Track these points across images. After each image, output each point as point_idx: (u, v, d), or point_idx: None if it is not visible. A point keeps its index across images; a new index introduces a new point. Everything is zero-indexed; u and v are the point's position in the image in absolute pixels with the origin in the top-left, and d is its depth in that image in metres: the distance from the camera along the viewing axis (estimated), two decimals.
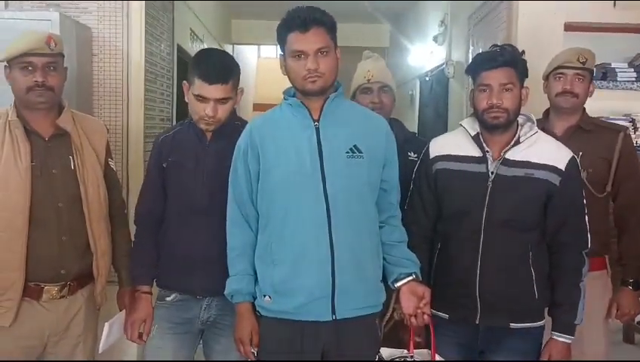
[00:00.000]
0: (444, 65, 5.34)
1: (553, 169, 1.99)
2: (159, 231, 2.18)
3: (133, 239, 2.26)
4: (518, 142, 2.01)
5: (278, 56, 1.95)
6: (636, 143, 3.19)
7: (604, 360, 2.49)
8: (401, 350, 1.98)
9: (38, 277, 2.02)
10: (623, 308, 2.47)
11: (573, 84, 2.42)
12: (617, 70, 3.50)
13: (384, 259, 1.97)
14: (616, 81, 3.48)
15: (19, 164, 1.99)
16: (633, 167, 2.46)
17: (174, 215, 2.15)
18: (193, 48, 5.12)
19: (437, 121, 5.64)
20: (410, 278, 1.93)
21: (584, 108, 2.50)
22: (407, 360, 1.93)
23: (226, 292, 1.95)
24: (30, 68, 2.00)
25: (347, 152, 1.88)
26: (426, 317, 1.90)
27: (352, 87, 2.55)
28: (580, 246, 2.04)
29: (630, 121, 3.44)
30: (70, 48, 2.98)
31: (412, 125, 6.35)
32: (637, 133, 3.46)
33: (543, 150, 2.01)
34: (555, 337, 2.02)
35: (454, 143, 2.11)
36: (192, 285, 2.12)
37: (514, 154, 2.00)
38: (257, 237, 1.94)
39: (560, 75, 2.44)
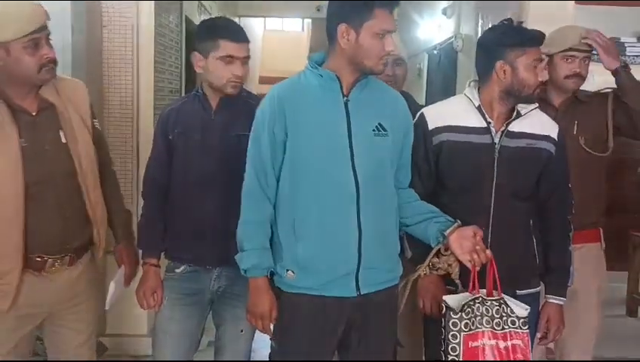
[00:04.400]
0: (452, 39, 5.32)
1: (550, 138, 2.03)
2: (166, 202, 2.18)
3: (141, 211, 2.24)
4: (519, 115, 2.02)
5: (345, 29, 1.79)
6: None
7: (599, 360, 2.55)
8: (462, 290, 1.89)
9: (42, 252, 1.97)
10: None
11: (582, 67, 2.41)
12: (626, 45, 3.49)
13: (407, 218, 1.96)
14: (625, 55, 3.46)
15: (8, 145, 1.88)
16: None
17: (182, 186, 2.15)
18: (201, 20, 5.11)
19: (445, 95, 5.59)
20: (456, 224, 1.87)
21: None
22: (477, 301, 1.83)
23: (244, 267, 1.86)
24: (34, 45, 1.86)
25: (374, 130, 1.86)
26: (488, 252, 1.84)
27: None
28: (567, 213, 2.10)
29: None
30: (80, 20, 2.99)
31: (420, 99, 6.31)
32: None
33: (537, 122, 2.05)
34: (551, 300, 2.09)
35: (455, 113, 2.06)
36: (201, 256, 2.13)
37: (514, 126, 2.01)
38: (277, 210, 1.88)
39: (570, 58, 2.41)
